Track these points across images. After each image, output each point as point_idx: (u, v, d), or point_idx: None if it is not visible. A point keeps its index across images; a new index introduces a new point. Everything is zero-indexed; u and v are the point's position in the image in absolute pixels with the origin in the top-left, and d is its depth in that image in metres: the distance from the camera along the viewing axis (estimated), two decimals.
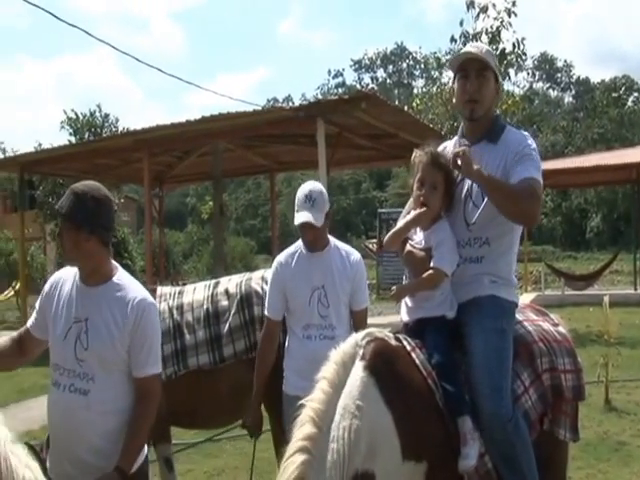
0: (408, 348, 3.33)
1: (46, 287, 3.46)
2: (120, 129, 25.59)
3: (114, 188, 25.08)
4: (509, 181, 3.43)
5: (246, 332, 5.12)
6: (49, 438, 3.55)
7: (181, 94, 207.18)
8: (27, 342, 3.52)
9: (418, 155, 3.59)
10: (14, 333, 3.63)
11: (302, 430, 2.96)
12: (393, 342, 3.32)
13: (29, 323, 3.53)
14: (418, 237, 3.58)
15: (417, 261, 3.53)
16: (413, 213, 3.55)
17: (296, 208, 4.29)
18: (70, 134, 26.19)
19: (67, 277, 3.38)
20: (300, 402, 3.10)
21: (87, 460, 3.15)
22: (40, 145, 23.05)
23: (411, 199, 3.66)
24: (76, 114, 26.57)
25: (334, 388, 3.03)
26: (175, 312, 5.28)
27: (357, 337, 3.21)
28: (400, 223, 3.62)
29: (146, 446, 3.40)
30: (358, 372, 3.04)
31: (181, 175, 20.92)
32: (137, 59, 11.44)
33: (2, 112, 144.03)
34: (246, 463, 4.83)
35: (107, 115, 27.08)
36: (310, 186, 4.35)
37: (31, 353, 3.57)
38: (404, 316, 3.61)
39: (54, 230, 24.56)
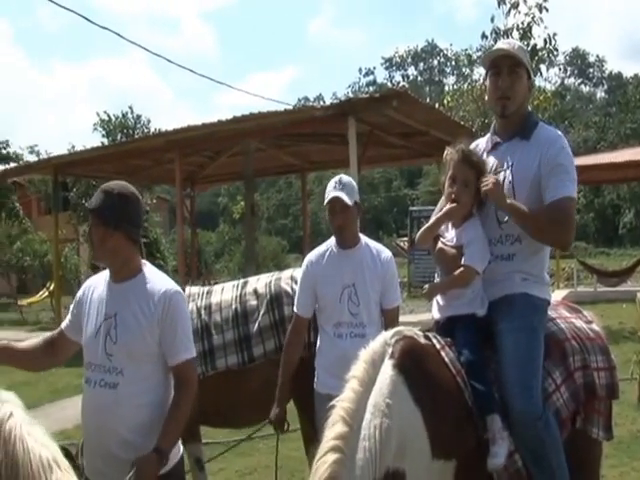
0: (437, 346, 3.32)
1: (79, 292, 3.54)
2: (152, 130, 25.90)
3: (146, 189, 25.35)
4: (543, 192, 3.44)
5: (276, 332, 5.11)
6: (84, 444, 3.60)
7: (212, 94, 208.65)
8: (60, 343, 3.59)
9: (450, 153, 3.59)
10: (47, 334, 3.70)
11: (333, 429, 2.96)
12: (422, 340, 3.31)
13: (63, 325, 3.60)
14: (450, 235, 3.59)
15: (448, 259, 3.54)
16: (444, 208, 3.56)
17: (326, 195, 4.35)
18: (103, 136, 26.57)
19: (99, 281, 3.46)
20: (331, 403, 3.10)
21: (118, 455, 3.17)
22: (73, 147, 23.47)
23: (443, 197, 3.66)
24: (108, 116, 26.95)
25: (364, 387, 3.02)
26: (203, 312, 5.29)
27: (386, 336, 3.21)
28: (432, 219, 3.63)
29: (182, 446, 3.43)
30: (387, 371, 3.04)
31: (212, 175, 21.03)
32: (168, 60, 11.55)
33: (36, 115, 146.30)
34: (279, 462, 4.85)
35: (139, 116, 27.43)
36: (340, 175, 4.45)
37: (63, 354, 3.63)
38: (435, 314, 3.62)
39: (87, 231, 24.85)
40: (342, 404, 3.01)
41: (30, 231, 30.71)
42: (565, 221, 3.41)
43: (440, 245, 3.60)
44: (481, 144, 3.82)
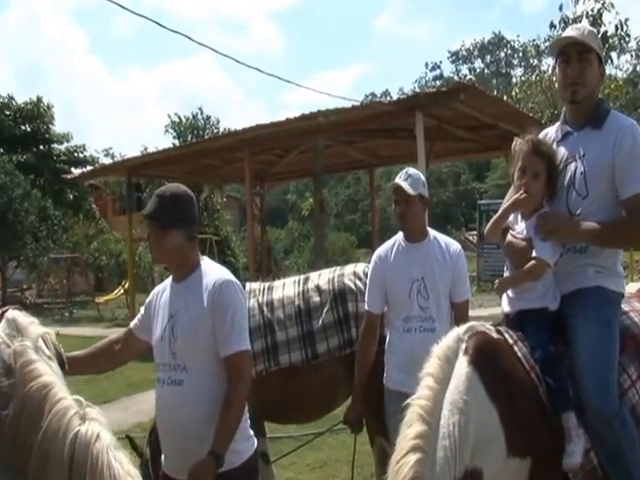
0: (510, 341, 3.24)
1: (149, 296, 3.66)
2: (221, 130, 26.32)
3: (217, 188, 25.75)
4: (618, 185, 3.35)
5: (340, 329, 5.10)
6: (151, 434, 3.64)
7: (280, 93, 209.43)
8: (128, 341, 3.71)
9: (519, 143, 3.50)
10: (113, 336, 3.83)
11: (412, 429, 2.88)
12: (495, 335, 3.22)
13: (132, 324, 3.72)
14: (519, 227, 3.50)
15: (518, 251, 3.45)
16: (511, 199, 3.48)
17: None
18: (174, 137, 27.16)
19: (166, 285, 3.58)
20: (407, 401, 3.02)
21: (193, 450, 3.20)
22: (146, 149, 24.01)
23: (510, 189, 3.59)
24: (179, 118, 27.53)
25: (440, 384, 2.96)
26: (265, 309, 5.29)
27: (459, 331, 3.13)
28: (499, 212, 3.56)
29: (256, 440, 3.47)
30: (463, 367, 2.97)
31: (281, 173, 21.16)
32: (237, 60, 11.69)
33: (110, 119, 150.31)
34: (348, 456, 4.90)
35: (209, 117, 27.95)
36: (408, 167, 4.47)
37: (130, 352, 3.74)
38: (505, 307, 3.53)
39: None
40: (419, 402, 2.95)
41: (106, 231, 31.61)
42: None
43: (509, 238, 3.51)
44: (551, 132, 3.72)
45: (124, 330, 3.81)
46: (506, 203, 3.57)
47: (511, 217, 3.55)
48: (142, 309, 3.71)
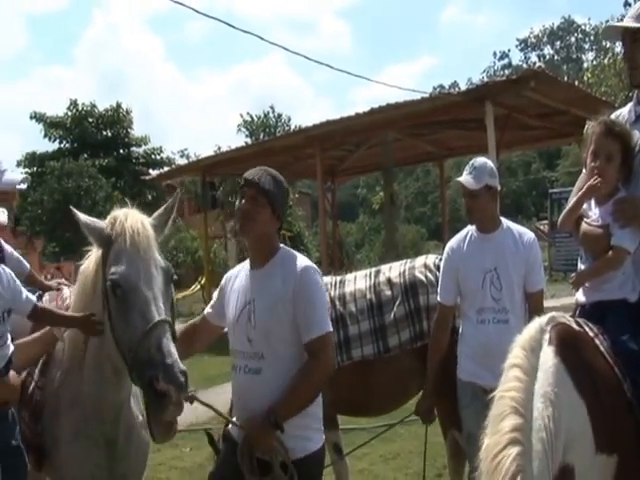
0: (590, 334, 3.03)
1: (222, 281, 3.72)
2: (292, 127, 26.62)
3: (289, 184, 26.11)
4: None
5: (411, 322, 5.05)
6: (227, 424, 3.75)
7: (348, 90, 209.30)
8: (202, 330, 3.83)
9: (591, 126, 3.28)
10: (188, 324, 3.96)
11: (507, 421, 2.71)
12: (576, 327, 3.03)
13: (206, 311, 3.81)
14: (593, 214, 3.26)
15: (594, 240, 3.23)
16: (585, 186, 3.24)
17: None
18: (246, 136, 27.62)
19: (240, 270, 3.61)
20: (494, 393, 2.84)
21: None
22: (219, 149, 24.42)
23: (581, 175, 3.39)
24: (251, 117, 27.99)
25: (528, 375, 2.78)
26: (337, 303, 5.27)
27: (541, 321, 2.93)
28: (572, 200, 3.35)
29: (323, 435, 3.47)
30: (549, 358, 2.79)
31: (352, 167, 21.24)
32: (307, 57, 11.73)
33: (186, 121, 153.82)
34: (420, 447, 4.86)
35: (280, 115, 28.31)
36: (476, 158, 4.45)
37: (204, 339, 3.87)
38: (580, 297, 3.32)
39: (234, 228, 25.95)
40: (510, 394, 2.78)
41: (182, 229, 32.31)
42: None
43: (584, 226, 3.28)
44: (623, 113, 3.46)
45: (198, 318, 3.92)
46: (577, 189, 3.39)
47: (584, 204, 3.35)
48: (215, 295, 3.78)
